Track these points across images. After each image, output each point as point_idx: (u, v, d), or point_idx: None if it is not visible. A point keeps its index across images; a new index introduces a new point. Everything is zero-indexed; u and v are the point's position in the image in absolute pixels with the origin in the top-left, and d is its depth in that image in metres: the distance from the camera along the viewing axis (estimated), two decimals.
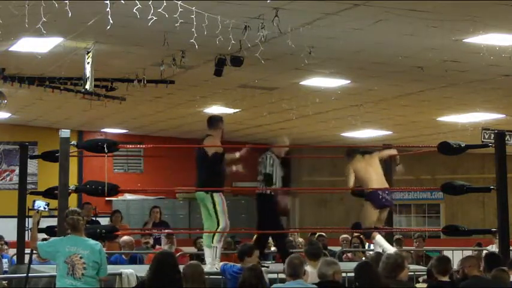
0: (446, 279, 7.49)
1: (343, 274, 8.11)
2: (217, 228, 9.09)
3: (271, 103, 15.10)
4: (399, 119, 16.82)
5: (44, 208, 7.63)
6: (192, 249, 13.14)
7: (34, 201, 7.75)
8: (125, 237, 11.63)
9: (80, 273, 6.94)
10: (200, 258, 11.61)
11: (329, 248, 12.93)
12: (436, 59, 10.90)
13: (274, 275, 7.97)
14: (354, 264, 10.08)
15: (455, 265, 9.93)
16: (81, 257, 6.96)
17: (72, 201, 13.65)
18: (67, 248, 6.99)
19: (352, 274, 7.77)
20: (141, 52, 11.33)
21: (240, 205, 21.78)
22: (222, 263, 8.67)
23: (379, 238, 10.03)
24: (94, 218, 13.97)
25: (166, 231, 12.73)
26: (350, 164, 10.07)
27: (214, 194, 9.15)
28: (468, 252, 13.00)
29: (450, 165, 20.84)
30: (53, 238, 7.54)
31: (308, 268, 7.51)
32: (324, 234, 13.78)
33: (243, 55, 10.43)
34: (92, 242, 7.16)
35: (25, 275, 7.77)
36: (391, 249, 9.69)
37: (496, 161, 9.58)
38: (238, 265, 8.13)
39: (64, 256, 6.97)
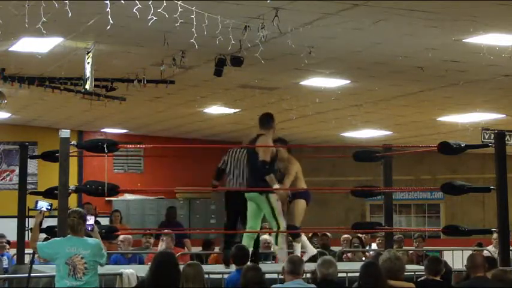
0: (438, 279, 7.50)
1: (344, 274, 8.14)
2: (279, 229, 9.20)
3: (271, 103, 15.09)
4: (399, 119, 16.82)
5: (47, 209, 7.59)
6: (197, 249, 13.13)
7: (37, 201, 7.70)
8: (122, 236, 11.58)
9: (81, 274, 6.94)
10: (200, 258, 11.61)
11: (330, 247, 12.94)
12: (436, 59, 10.90)
13: (274, 275, 7.96)
14: (354, 264, 10.13)
15: (454, 265, 9.93)
16: (82, 258, 6.95)
17: (72, 201, 13.68)
18: (67, 249, 6.98)
19: (352, 274, 7.78)
20: (141, 52, 11.33)
21: None
22: None
23: (305, 238, 10.13)
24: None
25: (165, 231, 12.71)
26: (295, 165, 9.87)
27: (272, 199, 9.14)
28: (468, 252, 13.00)
29: (450, 165, 20.84)
30: (53, 239, 7.52)
31: None
32: (328, 234, 13.75)
33: (243, 55, 10.43)
34: (90, 240, 7.17)
35: (26, 275, 7.77)
36: (312, 251, 9.82)
37: (496, 161, 9.57)
38: None
39: (65, 258, 6.95)
